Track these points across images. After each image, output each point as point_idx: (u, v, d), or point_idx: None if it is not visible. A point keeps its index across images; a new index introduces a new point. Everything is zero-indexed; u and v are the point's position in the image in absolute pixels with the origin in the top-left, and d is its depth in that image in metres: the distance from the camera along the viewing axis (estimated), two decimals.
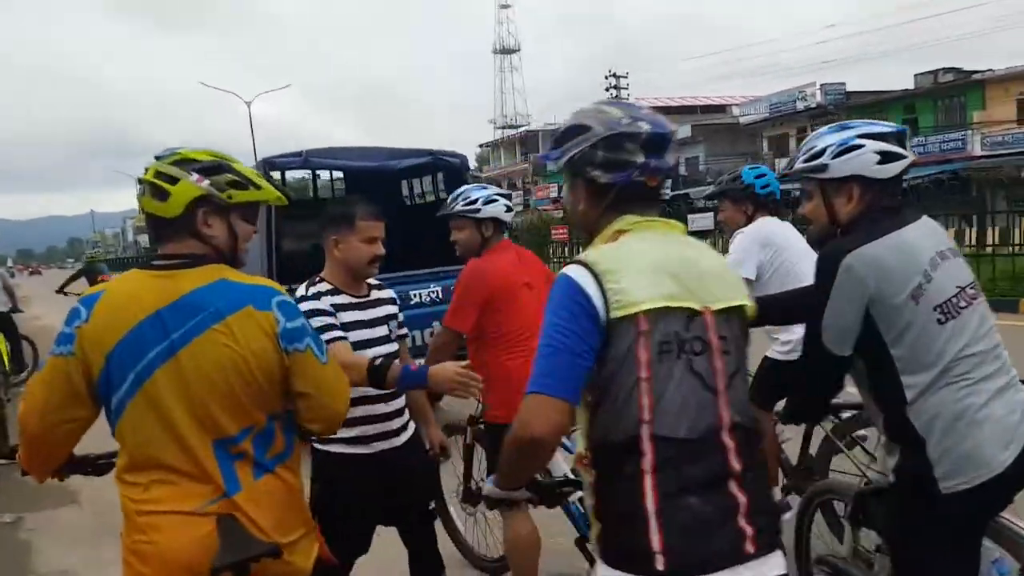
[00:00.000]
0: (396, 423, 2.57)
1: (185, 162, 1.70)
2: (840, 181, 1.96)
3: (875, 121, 2.04)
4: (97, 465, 1.99)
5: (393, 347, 2.61)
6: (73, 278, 12.17)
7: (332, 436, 2.39)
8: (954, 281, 1.89)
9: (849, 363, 1.91)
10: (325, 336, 2.33)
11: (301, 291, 2.47)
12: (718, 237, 14.74)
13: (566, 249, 19.21)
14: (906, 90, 31.71)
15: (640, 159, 1.49)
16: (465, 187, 3.25)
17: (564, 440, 3.55)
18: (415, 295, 6.03)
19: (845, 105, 32.94)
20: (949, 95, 29.69)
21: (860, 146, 1.93)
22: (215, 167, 1.71)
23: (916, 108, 30.74)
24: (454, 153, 6.60)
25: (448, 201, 3.24)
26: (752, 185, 3.72)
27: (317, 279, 2.53)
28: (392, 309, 2.66)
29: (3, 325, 9.22)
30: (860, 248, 1.86)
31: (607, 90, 38.39)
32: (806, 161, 2.02)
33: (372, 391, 2.43)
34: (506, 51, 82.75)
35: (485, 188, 3.22)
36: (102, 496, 1.97)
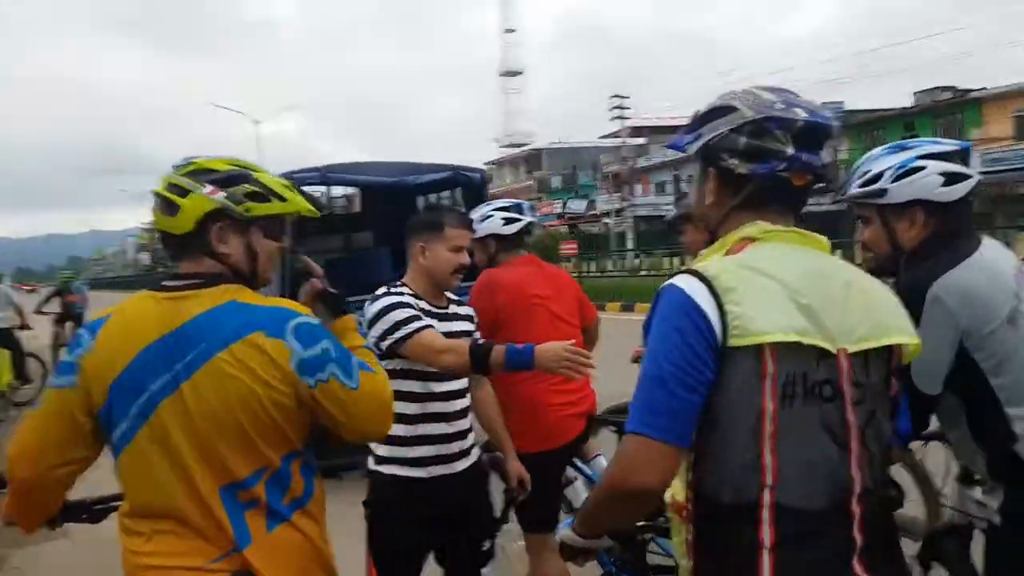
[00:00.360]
0: (456, 447, 2.38)
1: (200, 172, 1.53)
2: (901, 206, 1.81)
3: (936, 139, 1.89)
4: (93, 511, 1.78)
5: None
6: (48, 298, 11.93)
7: (387, 457, 2.33)
8: None
9: (938, 402, 1.74)
10: (413, 325, 2.25)
11: (382, 291, 2.39)
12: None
13: (572, 264, 19.52)
14: (905, 108, 32.09)
15: (789, 150, 1.25)
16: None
17: (582, 465, 3.40)
18: None
19: (845, 123, 33.26)
20: (948, 113, 30.06)
21: (921, 168, 1.78)
22: (233, 177, 1.54)
23: (915, 126, 31.03)
24: (474, 168, 6.52)
25: None
26: None
27: (398, 283, 2.44)
28: (469, 326, 2.53)
29: (6, 342, 9.06)
30: (945, 276, 1.69)
31: (611, 109, 38.78)
32: (862, 186, 1.86)
33: (434, 408, 2.34)
34: (510, 73, 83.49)
35: (487, 204, 3.13)
36: (96, 532, 1.95)
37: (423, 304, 2.40)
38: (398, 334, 2.25)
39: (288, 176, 5.62)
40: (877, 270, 1.90)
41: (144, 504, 1.50)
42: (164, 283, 1.56)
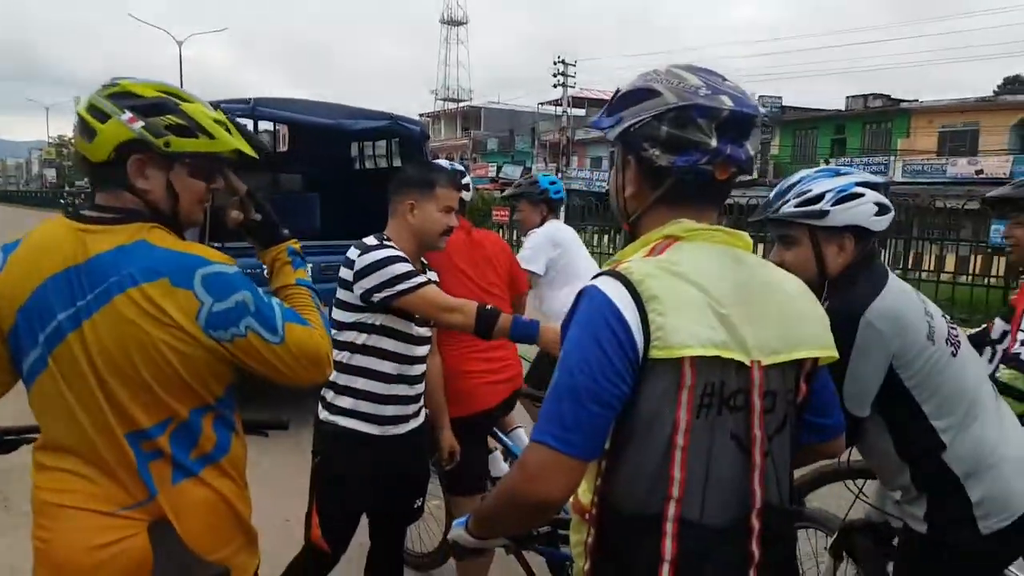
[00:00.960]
0: (411, 409, 2.41)
1: (123, 96, 1.41)
2: (836, 230, 1.83)
3: (863, 173, 1.95)
4: (3, 442, 1.71)
5: (429, 332, 2.47)
6: None
7: (348, 410, 2.30)
8: (939, 312, 1.87)
9: (864, 423, 1.79)
10: (416, 279, 2.19)
11: (373, 240, 2.28)
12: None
13: (504, 231, 19.21)
14: (839, 111, 33.05)
15: (712, 142, 1.19)
16: None
17: (502, 436, 3.40)
18: None
19: (780, 119, 34.08)
20: (878, 120, 31.17)
21: (861, 195, 1.82)
22: (156, 106, 1.41)
23: (846, 129, 32.07)
24: (414, 120, 6.26)
25: None
26: (547, 190, 4.06)
27: (385, 237, 2.31)
28: None
29: None
30: (875, 301, 1.74)
31: (555, 75, 38.35)
32: (800, 205, 1.85)
33: (406, 371, 2.33)
34: (453, 22, 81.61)
35: None
36: None
37: None
38: (400, 287, 2.18)
39: (214, 105, 5.16)
40: None
41: (57, 439, 1.45)
42: (82, 211, 1.46)
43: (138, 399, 1.40)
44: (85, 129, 1.41)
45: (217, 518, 1.49)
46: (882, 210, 1.84)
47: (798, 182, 1.89)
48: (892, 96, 31.95)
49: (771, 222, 1.91)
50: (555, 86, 38.73)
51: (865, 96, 32.28)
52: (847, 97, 33.52)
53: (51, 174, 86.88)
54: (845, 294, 1.81)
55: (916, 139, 29.34)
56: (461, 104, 65.61)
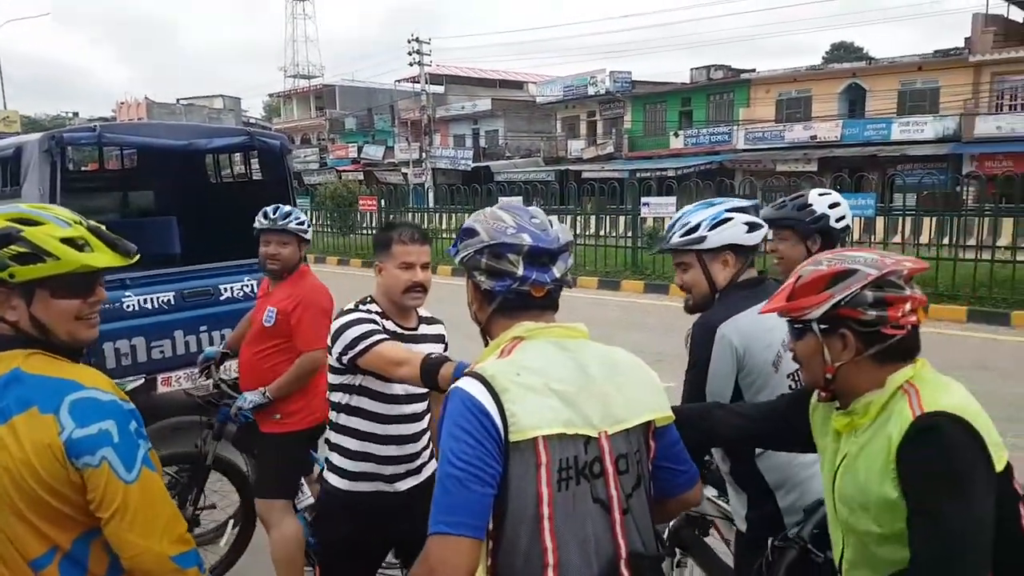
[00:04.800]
0: (402, 468, 2.43)
1: None
2: (716, 250, 2.16)
3: (735, 198, 2.26)
4: None
5: (417, 390, 2.41)
6: None
7: (333, 466, 2.40)
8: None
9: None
10: (371, 339, 2.23)
11: (350, 306, 2.37)
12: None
13: (373, 218, 18.73)
14: (684, 84, 34.64)
15: (519, 271, 1.45)
16: (293, 208, 3.35)
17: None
18: (225, 289, 5.50)
19: (631, 93, 35.29)
20: (720, 91, 32.96)
21: (730, 218, 2.14)
22: (1, 238, 1.40)
23: (692, 101, 33.71)
24: (274, 135, 6.10)
25: (272, 214, 3.25)
26: None
27: (369, 298, 2.42)
28: (438, 347, 2.46)
29: None
30: (731, 318, 2.07)
31: (409, 54, 37.61)
32: (684, 235, 2.17)
33: (393, 430, 2.38)
34: None
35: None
36: None
37: (389, 324, 2.37)
38: (359, 347, 2.24)
39: (59, 137, 4.77)
40: (695, 308, 2.25)
41: None
42: None
43: (21, 530, 1.40)
44: None
45: None
46: (752, 227, 2.15)
47: (680, 217, 2.22)
48: (732, 67, 33.81)
49: (668, 252, 2.23)
50: (411, 64, 37.99)
51: (708, 68, 33.98)
52: (691, 69, 35.17)
53: None
54: (711, 312, 2.14)
55: (756, 108, 31.32)
56: (313, 81, 63.08)
